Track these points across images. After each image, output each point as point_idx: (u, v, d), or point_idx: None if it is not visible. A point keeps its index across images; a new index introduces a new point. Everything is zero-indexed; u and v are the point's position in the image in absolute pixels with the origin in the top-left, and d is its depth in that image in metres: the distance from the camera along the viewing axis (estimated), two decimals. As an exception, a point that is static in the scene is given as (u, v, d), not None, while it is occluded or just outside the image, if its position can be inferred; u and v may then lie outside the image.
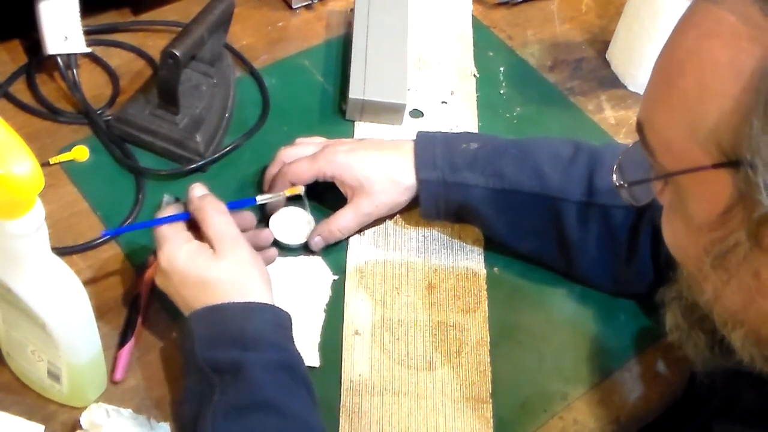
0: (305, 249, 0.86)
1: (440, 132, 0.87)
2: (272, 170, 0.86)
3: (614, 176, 0.64)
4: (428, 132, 0.87)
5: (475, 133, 0.90)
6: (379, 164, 0.84)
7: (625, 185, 0.64)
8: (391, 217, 0.89)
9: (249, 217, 0.80)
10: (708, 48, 0.51)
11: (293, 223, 0.86)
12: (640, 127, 0.58)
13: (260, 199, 0.82)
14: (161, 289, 0.76)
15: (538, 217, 0.82)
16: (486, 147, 0.84)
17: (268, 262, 0.80)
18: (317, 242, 0.85)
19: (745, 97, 0.48)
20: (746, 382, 0.62)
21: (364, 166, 0.83)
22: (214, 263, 0.73)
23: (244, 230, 0.77)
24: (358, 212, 0.84)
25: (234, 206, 0.78)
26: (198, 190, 0.77)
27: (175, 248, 0.73)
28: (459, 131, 0.93)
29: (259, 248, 0.79)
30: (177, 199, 0.86)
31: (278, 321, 0.72)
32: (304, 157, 0.85)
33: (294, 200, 0.85)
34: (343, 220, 0.84)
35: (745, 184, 0.49)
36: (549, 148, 0.84)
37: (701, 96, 0.51)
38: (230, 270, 0.73)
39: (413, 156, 0.84)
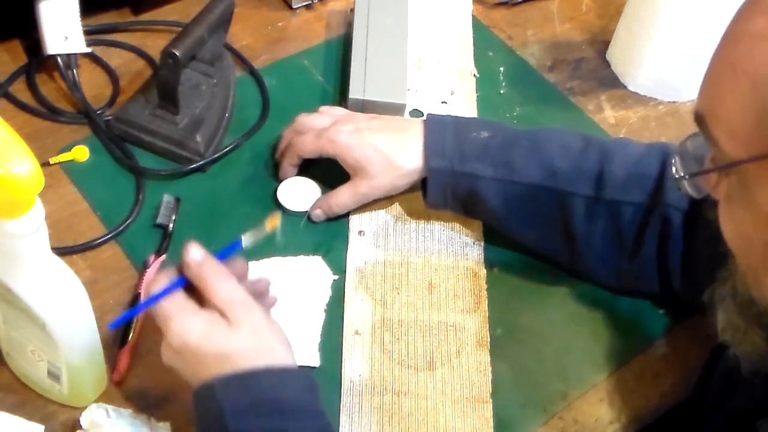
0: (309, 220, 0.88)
1: (450, 116, 0.87)
2: (287, 135, 0.90)
3: (673, 168, 0.63)
4: (438, 115, 0.87)
5: (486, 121, 0.89)
6: (380, 147, 0.84)
7: (687, 176, 0.62)
8: (391, 212, 0.89)
9: (241, 265, 0.71)
10: None
11: (301, 191, 0.89)
12: (701, 119, 0.56)
13: (245, 240, 0.73)
14: (168, 365, 0.68)
15: (546, 209, 0.82)
16: (497, 137, 0.84)
17: (269, 306, 0.74)
18: (317, 214, 0.87)
19: None
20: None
21: (364, 148, 0.84)
22: (232, 334, 0.66)
23: (239, 280, 0.69)
24: (356, 192, 0.86)
25: (223, 256, 0.70)
26: (194, 253, 0.68)
27: (185, 325, 0.66)
28: (472, 117, 0.94)
29: (257, 294, 0.71)
30: (177, 199, 0.86)
31: (311, 385, 0.68)
32: (311, 131, 0.87)
33: (303, 171, 0.90)
34: (341, 197, 0.87)
35: None
36: (559, 140, 0.84)
37: None
38: (250, 338, 0.66)
39: (422, 142, 0.84)
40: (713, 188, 0.59)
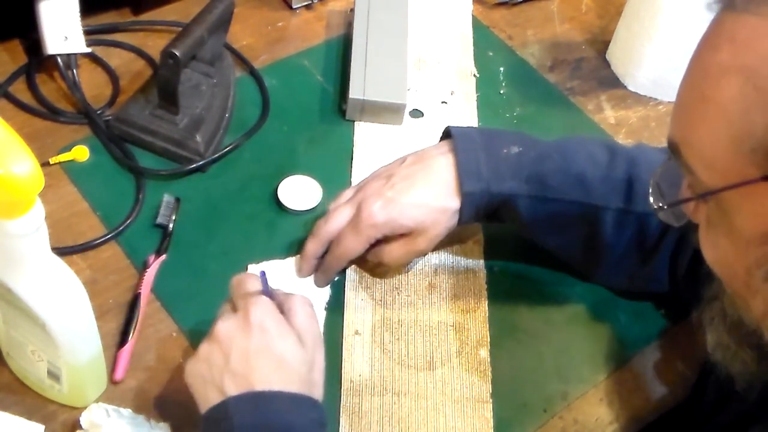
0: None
1: (474, 129, 0.83)
2: (315, 249, 0.82)
3: (651, 198, 0.63)
4: (464, 131, 0.83)
5: (511, 132, 0.86)
6: (420, 203, 0.79)
7: (665, 207, 0.62)
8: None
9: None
10: (747, 59, 0.50)
11: (301, 191, 0.89)
12: (674, 147, 0.56)
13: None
14: (192, 368, 0.68)
15: (577, 222, 0.81)
16: (528, 152, 0.81)
17: None
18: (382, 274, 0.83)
19: None
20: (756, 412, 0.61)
21: (406, 213, 0.79)
22: (299, 349, 0.68)
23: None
24: (414, 250, 0.81)
25: (265, 287, 0.72)
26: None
27: (271, 311, 0.68)
28: (494, 129, 0.89)
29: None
30: (177, 199, 0.86)
31: (321, 419, 0.67)
32: (346, 230, 0.80)
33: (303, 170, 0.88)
34: (395, 255, 0.81)
35: None
36: (586, 152, 0.82)
37: (745, 108, 0.50)
38: (307, 363, 0.68)
39: (455, 167, 0.80)
40: (693, 213, 0.59)
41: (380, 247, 0.81)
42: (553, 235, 0.83)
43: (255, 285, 0.71)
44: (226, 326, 0.68)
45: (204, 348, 0.67)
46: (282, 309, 0.70)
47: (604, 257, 0.82)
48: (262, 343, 0.66)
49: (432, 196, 0.80)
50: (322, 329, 0.80)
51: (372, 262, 0.84)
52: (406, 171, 0.81)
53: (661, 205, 0.62)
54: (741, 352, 0.62)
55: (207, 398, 0.66)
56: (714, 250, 0.58)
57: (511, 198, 0.80)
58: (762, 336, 0.58)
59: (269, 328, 0.67)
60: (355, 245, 0.80)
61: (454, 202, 0.80)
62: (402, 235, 0.80)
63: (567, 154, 0.81)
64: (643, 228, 0.80)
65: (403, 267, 0.85)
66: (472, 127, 0.84)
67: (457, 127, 0.83)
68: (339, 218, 0.81)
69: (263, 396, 0.65)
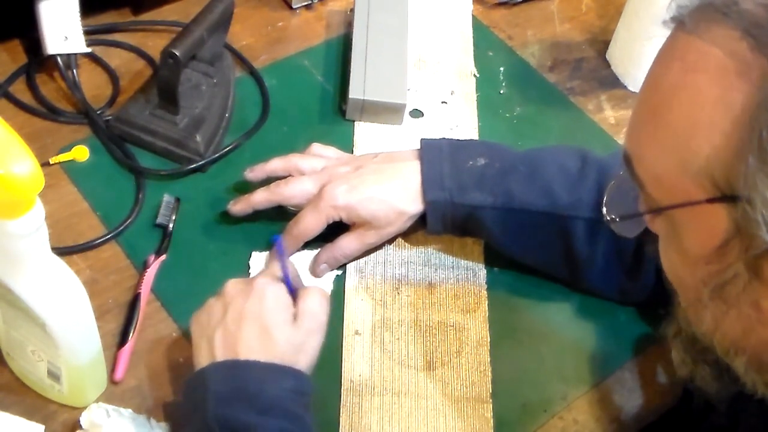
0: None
1: (445, 140, 0.85)
2: (277, 165, 0.85)
3: (604, 209, 0.63)
4: (433, 142, 0.84)
5: (481, 144, 0.88)
6: (382, 198, 0.81)
7: (617, 219, 0.63)
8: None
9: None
10: (695, 83, 0.50)
11: None
12: (628, 160, 0.57)
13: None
14: (195, 318, 0.73)
15: (547, 234, 0.81)
16: (494, 164, 0.82)
17: None
18: (323, 269, 0.84)
19: (737, 133, 0.48)
20: (748, 405, 0.61)
21: (366, 204, 0.81)
22: (288, 327, 0.71)
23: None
24: (364, 243, 0.83)
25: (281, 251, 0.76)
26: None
27: (276, 285, 0.72)
28: (463, 138, 0.90)
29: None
30: (177, 199, 0.86)
31: (298, 388, 0.69)
32: (306, 209, 0.82)
33: None
34: (348, 248, 0.83)
35: (742, 219, 0.49)
36: (556, 161, 0.82)
37: (691, 132, 0.50)
38: (294, 344, 0.71)
39: (420, 176, 0.81)
40: (651, 224, 0.59)
41: (335, 243, 0.83)
42: (529, 250, 0.83)
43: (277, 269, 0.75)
44: (232, 285, 0.73)
45: (210, 300, 0.73)
46: (297, 294, 0.74)
47: (585, 270, 0.82)
48: (255, 310, 0.70)
49: (395, 196, 0.82)
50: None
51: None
52: (376, 166, 0.83)
53: (613, 216, 0.63)
54: (699, 368, 0.63)
55: (199, 352, 0.70)
56: (668, 262, 0.58)
57: (475, 209, 0.81)
58: (715, 351, 0.58)
59: (267, 298, 0.71)
60: (313, 223, 0.81)
61: (414, 208, 0.82)
62: (354, 225, 0.83)
63: (535, 165, 0.82)
64: (617, 237, 0.80)
65: (353, 258, 0.85)
66: (444, 139, 0.85)
67: (428, 138, 0.85)
68: (300, 185, 0.83)
69: (239, 364, 0.68)
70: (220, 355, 0.69)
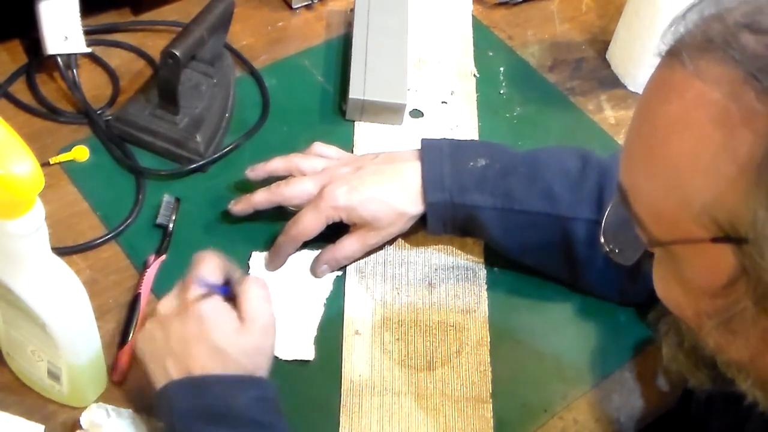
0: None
1: (446, 141, 0.85)
2: (278, 165, 0.85)
3: (602, 239, 0.62)
4: (433, 142, 0.84)
5: (482, 144, 0.87)
6: (383, 199, 0.81)
7: (616, 250, 0.62)
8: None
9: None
10: (697, 123, 0.48)
11: None
12: (623, 194, 0.54)
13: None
14: (139, 344, 0.70)
15: (547, 234, 0.81)
16: (494, 165, 0.82)
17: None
18: (323, 270, 0.83)
19: (743, 179, 0.46)
20: (748, 414, 0.60)
21: (367, 205, 0.81)
22: (238, 336, 0.69)
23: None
24: (365, 244, 0.83)
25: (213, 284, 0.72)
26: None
27: (212, 298, 0.70)
28: (463, 138, 0.90)
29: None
30: (177, 199, 0.86)
31: (262, 395, 0.68)
32: (306, 209, 0.81)
33: None
34: (349, 250, 0.83)
35: (750, 263, 0.47)
36: (557, 163, 0.82)
37: (692, 172, 0.48)
38: (249, 351, 0.69)
39: (420, 177, 0.81)
40: (649, 247, 0.57)
41: (336, 244, 0.83)
42: (529, 251, 0.83)
43: (210, 269, 0.72)
44: (165, 307, 0.71)
45: (148, 325, 0.71)
46: (234, 291, 0.71)
47: (585, 271, 0.82)
48: (198, 332, 0.68)
49: (395, 197, 0.81)
50: (318, 323, 0.80)
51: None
52: (376, 167, 0.83)
53: (612, 247, 0.62)
54: (696, 370, 0.62)
55: (155, 375, 0.68)
56: (665, 288, 0.56)
57: (475, 210, 0.81)
58: (716, 358, 0.57)
59: (206, 317, 0.68)
60: (313, 224, 0.81)
61: (415, 209, 0.82)
62: (355, 226, 0.82)
63: (535, 166, 0.82)
64: None
65: (353, 260, 0.85)
66: (444, 139, 0.85)
67: (429, 139, 0.85)
68: (300, 185, 0.82)
69: (201, 381, 0.67)
70: (177, 376, 0.67)
